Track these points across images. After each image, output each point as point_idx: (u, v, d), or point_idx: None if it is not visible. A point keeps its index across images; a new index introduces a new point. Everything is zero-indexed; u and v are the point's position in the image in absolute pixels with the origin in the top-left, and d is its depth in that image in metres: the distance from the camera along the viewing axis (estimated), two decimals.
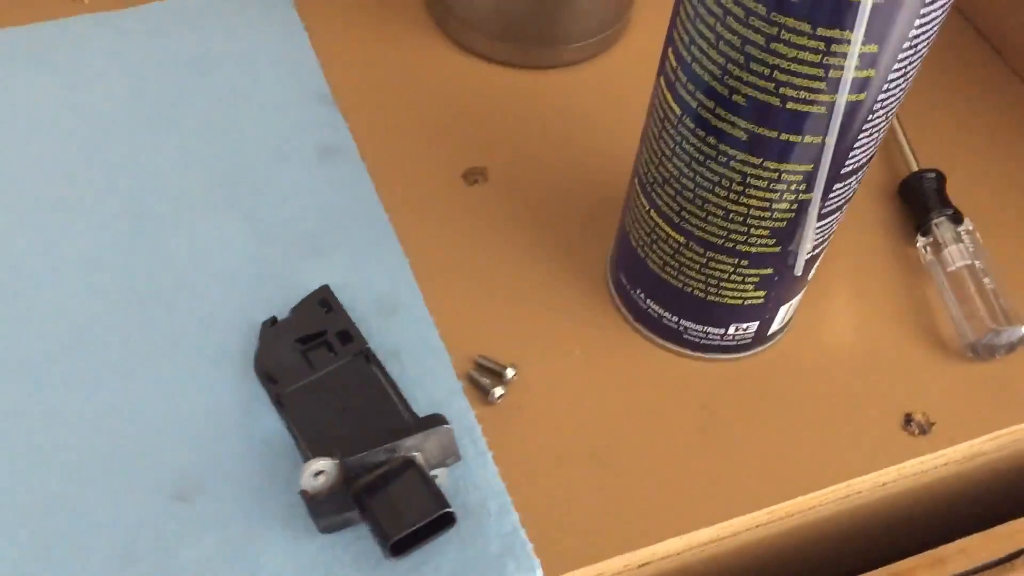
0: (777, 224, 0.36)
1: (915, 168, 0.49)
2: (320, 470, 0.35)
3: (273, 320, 0.42)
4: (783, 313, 0.42)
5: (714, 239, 0.37)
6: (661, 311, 0.42)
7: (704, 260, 0.38)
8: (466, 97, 0.53)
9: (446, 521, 0.35)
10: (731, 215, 0.36)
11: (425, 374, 0.41)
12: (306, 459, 0.38)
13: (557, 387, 0.42)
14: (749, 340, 0.42)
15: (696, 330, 0.42)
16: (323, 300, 0.42)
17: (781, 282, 0.39)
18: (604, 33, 0.54)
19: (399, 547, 0.35)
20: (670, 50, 0.35)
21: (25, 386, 0.39)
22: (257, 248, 0.45)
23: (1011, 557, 0.41)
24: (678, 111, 0.35)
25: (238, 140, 0.49)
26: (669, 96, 0.35)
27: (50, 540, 0.36)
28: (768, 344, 0.44)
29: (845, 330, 0.45)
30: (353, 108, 0.51)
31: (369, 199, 0.47)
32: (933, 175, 0.49)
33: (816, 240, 0.38)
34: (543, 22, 0.52)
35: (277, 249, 0.45)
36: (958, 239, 0.46)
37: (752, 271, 0.38)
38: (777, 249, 0.37)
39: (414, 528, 0.34)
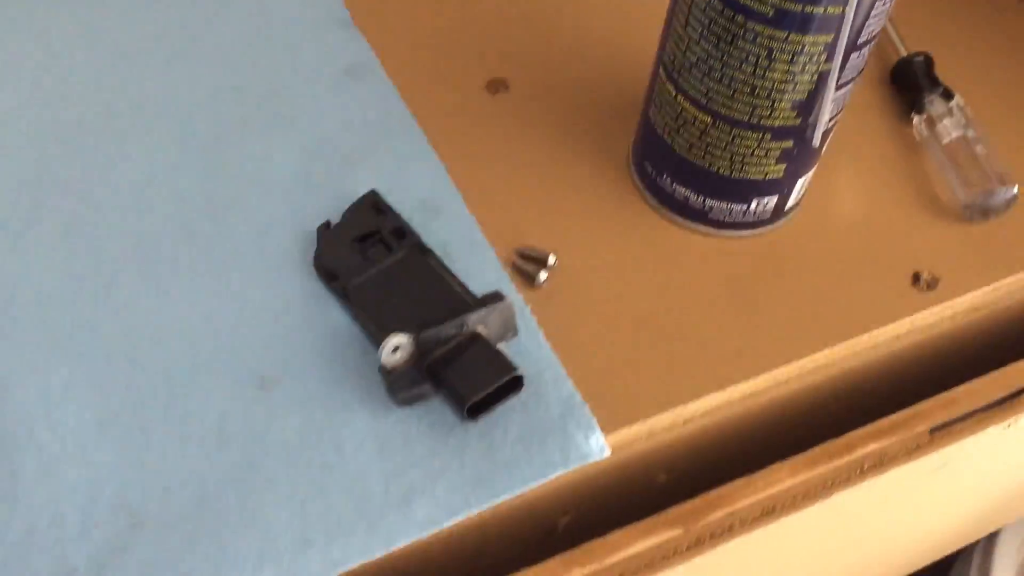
0: (799, 96, 0.39)
1: (904, 53, 0.53)
2: (397, 345, 0.38)
3: (327, 224, 0.45)
4: (799, 187, 0.45)
5: (740, 116, 0.41)
6: (687, 193, 0.45)
7: (730, 138, 0.42)
8: (478, 9, 0.55)
9: (514, 385, 0.39)
10: (757, 91, 0.39)
11: (472, 267, 0.44)
12: (377, 343, 0.41)
13: (594, 270, 0.46)
14: (768, 215, 0.46)
15: (721, 208, 0.45)
16: (373, 203, 0.45)
17: (800, 155, 0.43)
18: None
19: (474, 410, 0.38)
20: None
21: (111, 297, 0.42)
22: (301, 163, 0.47)
23: (1017, 394, 0.45)
24: None
25: (267, 67, 0.51)
26: None
27: (147, 430, 0.39)
28: (785, 218, 0.47)
29: (853, 203, 0.49)
30: (372, 30, 0.54)
31: (400, 113, 0.50)
32: (922, 58, 0.52)
33: (832, 112, 0.41)
34: None
35: (320, 163, 0.48)
36: (950, 113, 0.49)
37: (774, 145, 0.42)
38: (798, 121, 0.41)
39: (488, 391, 0.38)
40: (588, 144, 0.50)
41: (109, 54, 0.51)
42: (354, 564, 0.37)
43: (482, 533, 0.42)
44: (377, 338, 0.40)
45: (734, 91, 0.40)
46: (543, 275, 0.44)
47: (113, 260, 0.43)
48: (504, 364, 0.38)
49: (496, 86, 0.52)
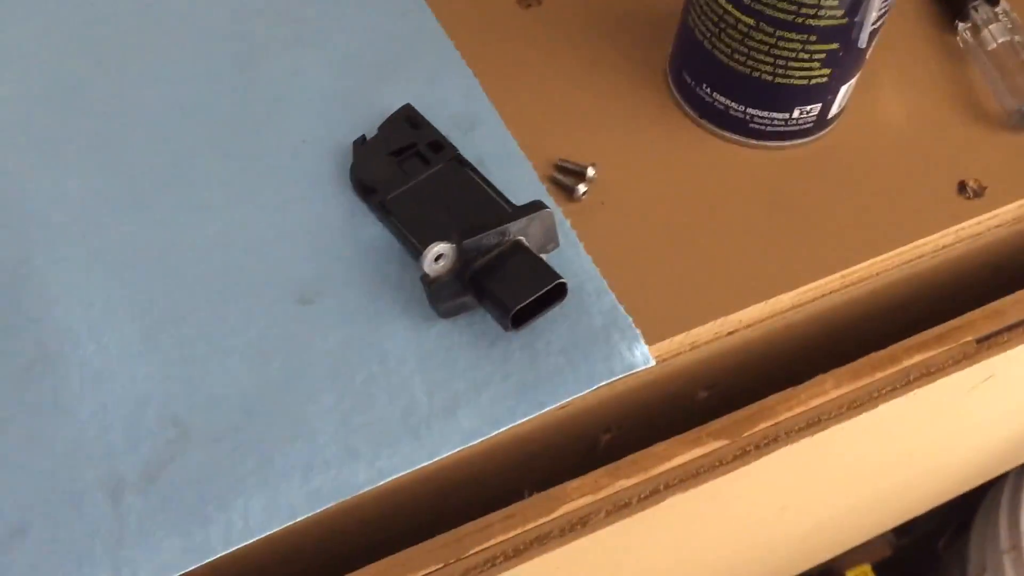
0: None
1: None
2: (440, 253, 0.37)
3: (363, 139, 0.44)
4: (843, 94, 0.44)
5: (785, 16, 0.39)
6: (728, 102, 0.44)
7: (774, 40, 0.41)
8: None
9: (558, 294, 0.38)
10: None
11: (510, 180, 0.44)
12: (417, 256, 0.40)
13: (633, 183, 0.45)
14: (811, 124, 0.45)
15: (762, 117, 0.44)
16: (408, 117, 0.44)
17: (845, 58, 0.41)
18: None
19: (517, 319, 0.38)
20: None
21: (148, 215, 0.42)
22: (333, 78, 0.47)
23: None
24: None
25: None
26: None
27: (190, 344, 0.39)
28: (827, 129, 0.46)
29: (896, 112, 0.48)
30: None
31: (431, 27, 0.49)
32: None
33: (879, 11, 0.40)
34: None
35: (352, 78, 0.47)
36: (996, 18, 0.48)
37: (819, 47, 0.41)
38: (844, 21, 0.39)
39: (532, 299, 0.37)
40: (623, 56, 0.49)
41: None
42: (400, 474, 0.37)
43: (525, 448, 0.42)
44: (418, 250, 0.40)
45: None
46: (582, 188, 0.44)
47: (149, 178, 0.43)
48: (547, 271, 0.38)
49: None
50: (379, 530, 0.40)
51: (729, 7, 0.41)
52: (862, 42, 0.41)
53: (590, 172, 0.44)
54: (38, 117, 0.44)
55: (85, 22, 0.47)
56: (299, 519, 0.35)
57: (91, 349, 0.38)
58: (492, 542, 0.38)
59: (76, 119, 0.44)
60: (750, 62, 0.42)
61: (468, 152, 0.44)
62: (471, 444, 0.38)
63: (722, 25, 0.42)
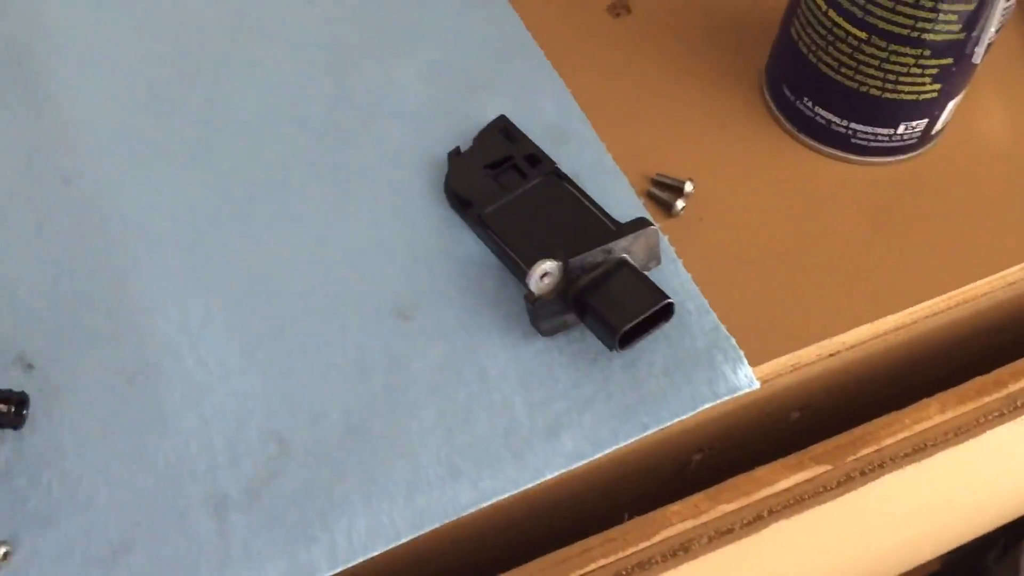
0: (966, 7, 0.37)
1: None
2: (546, 271, 0.37)
3: (457, 150, 0.43)
4: (949, 110, 0.43)
5: (899, 30, 0.38)
6: (830, 116, 0.43)
7: (885, 54, 0.39)
8: None
9: (664, 314, 0.38)
10: (920, 0, 0.37)
11: (606, 194, 0.43)
12: (518, 273, 0.40)
13: (730, 198, 0.44)
14: (915, 140, 0.44)
15: (865, 133, 0.43)
16: (503, 128, 0.43)
17: (957, 72, 0.40)
18: None
19: (624, 338, 0.37)
20: None
21: (242, 226, 0.41)
22: (425, 88, 0.46)
23: None
24: None
25: None
26: None
27: (289, 359, 0.38)
28: (930, 144, 0.45)
29: (1000, 126, 0.47)
30: None
31: (521, 36, 0.48)
32: None
33: (997, 24, 0.39)
34: None
35: (443, 88, 0.46)
36: None
37: (932, 62, 0.39)
38: (961, 35, 0.38)
39: (640, 319, 0.37)
40: (715, 66, 0.48)
41: None
42: (504, 495, 0.36)
43: (617, 467, 0.41)
44: (518, 266, 0.39)
45: (896, 2, 0.37)
46: (680, 203, 0.43)
47: (244, 188, 0.42)
48: (655, 291, 0.37)
49: (618, 8, 0.50)
50: (472, 551, 0.39)
51: (839, 20, 0.40)
52: (977, 57, 0.40)
53: (688, 187, 0.43)
54: (136, 127, 0.44)
55: (181, 33, 0.47)
56: (403, 541, 0.35)
57: (191, 362, 0.38)
58: (593, 566, 0.37)
59: (173, 129, 0.44)
60: (858, 76, 0.41)
61: (562, 165, 0.44)
62: (574, 467, 0.37)
63: (830, 38, 0.41)
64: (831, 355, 0.42)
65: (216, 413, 0.37)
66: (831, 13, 0.40)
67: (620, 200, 0.43)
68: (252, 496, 0.35)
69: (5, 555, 0.33)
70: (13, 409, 0.35)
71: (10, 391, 0.35)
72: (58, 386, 0.37)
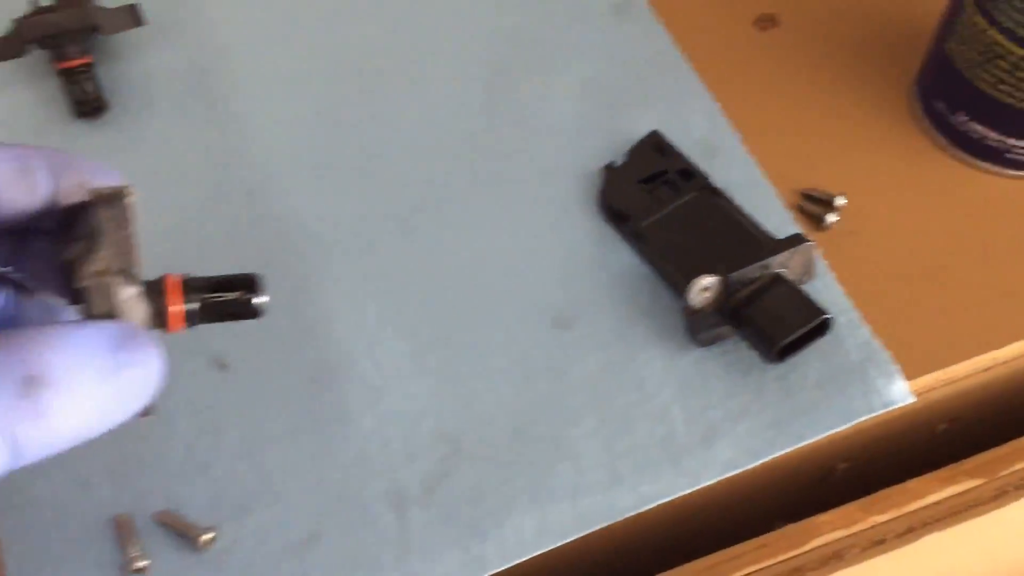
0: None
1: None
2: (706, 286, 0.38)
3: (611, 165, 0.45)
4: None
5: None
6: (985, 131, 0.43)
7: None
8: None
9: (820, 328, 0.39)
10: None
11: (755, 208, 0.44)
12: (672, 284, 0.41)
13: (882, 212, 0.45)
14: None
15: (1021, 147, 0.43)
16: (655, 143, 0.45)
17: None
18: None
19: (781, 352, 0.38)
20: None
21: (408, 236, 0.44)
22: (577, 104, 0.48)
23: None
24: None
25: (536, 7, 0.51)
26: None
27: (457, 363, 0.40)
28: None
29: None
30: None
31: (669, 51, 0.50)
32: None
33: None
34: None
35: (595, 104, 0.48)
36: None
37: None
38: None
39: (799, 333, 0.38)
40: (865, 80, 0.49)
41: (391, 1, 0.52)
42: (661, 500, 0.38)
43: (764, 474, 0.42)
44: (675, 279, 0.41)
45: None
46: (831, 217, 0.44)
47: (409, 201, 0.45)
48: (812, 307, 0.38)
49: (765, 21, 0.51)
50: (627, 552, 0.41)
51: (1000, 38, 0.40)
52: None
53: (839, 201, 0.44)
54: (311, 142, 0.47)
55: (350, 53, 0.50)
56: (568, 540, 0.37)
57: (367, 365, 0.40)
58: (744, 572, 0.38)
59: (344, 144, 0.47)
60: (1017, 93, 0.41)
61: (713, 178, 0.45)
62: (729, 475, 0.38)
63: (989, 55, 0.41)
64: (984, 370, 0.42)
65: (392, 414, 0.39)
66: (992, 31, 0.40)
67: (770, 213, 0.44)
68: (428, 492, 0.38)
69: (212, 539, 0.36)
70: (243, 295, 0.28)
71: (234, 276, 0.28)
72: (249, 385, 0.40)
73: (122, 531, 0.36)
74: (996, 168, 0.45)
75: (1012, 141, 0.43)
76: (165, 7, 0.50)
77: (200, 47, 0.50)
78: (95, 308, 0.25)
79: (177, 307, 0.26)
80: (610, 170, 0.45)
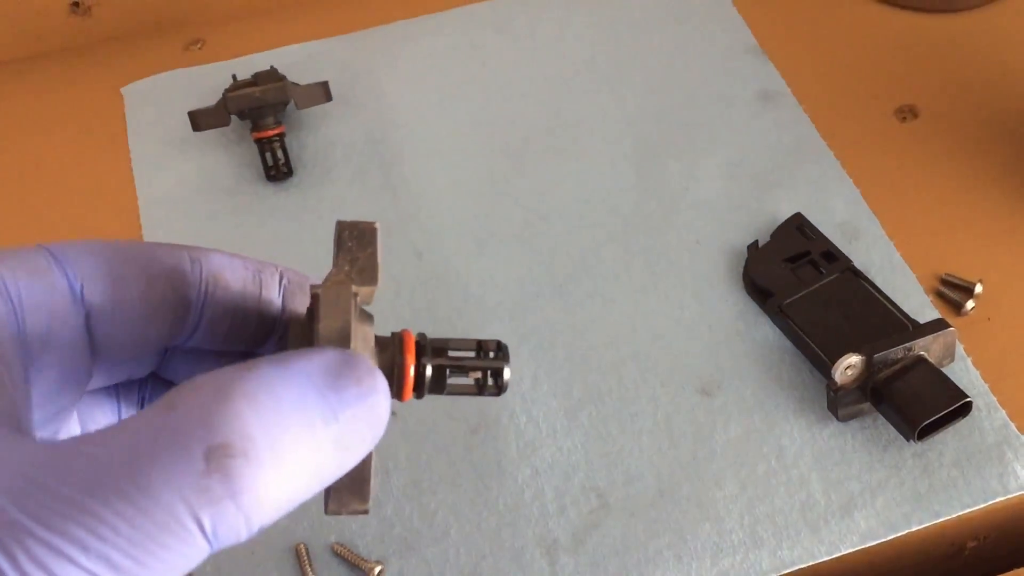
0: None
1: None
2: (852, 364, 0.40)
3: (756, 243, 0.48)
4: None
5: None
6: None
7: None
8: (881, 41, 0.57)
9: (961, 411, 0.40)
10: None
11: (895, 290, 0.46)
12: (815, 361, 0.43)
13: (1019, 300, 0.46)
14: None
15: None
16: (799, 225, 0.48)
17: None
18: None
19: (922, 431, 0.40)
20: None
21: (562, 301, 0.47)
22: (723, 183, 0.51)
23: None
24: None
25: (685, 91, 0.55)
26: None
27: (606, 422, 0.43)
28: None
29: None
30: (780, 57, 0.56)
31: (812, 137, 0.52)
32: None
33: None
34: None
35: (740, 184, 0.51)
36: None
37: None
38: None
39: (941, 414, 0.39)
40: (1005, 172, 0.50)
41: (547, 79, 0.56)
42: (800, 566, 0.40)
43: (897, 547, 0.43)
44: (817, 355, 0.43)
45: None
46: (970, 303, 0.45)
47: (564, 269, 0.48)
48: (954, 389, 0.40)
49: (905, 112, 0.53)
50: None
51: None
52: None
53: (978, 288, 0.46)
54: (474, 209, 0.51)
55: (512, 127, 0.54)
56: None
57: (524, 420, 0.44)
58: None
59: (505, 212, 0.50)
60: None
61: (853, 261, 0.47)
62: (867, 545, 0.40)
63: None
64: None
65: (546, 466, 0.42)
66: None
67: (909, 296, 0.46)
68: (578, 542, 0.40)
69: (381, 572, 0.39)
70: (491, 379, 0.25)
71: (484, 342, 0.25)
72: (416, 432, 0.43)
73: (301, 559, 0.40)
74: None
75: None
76: (346, 84, 0.56)
77: (376, 120, 0.54)
78: (325, 320, 0.20)
79: (416, 365, 0.22)
80: (755, 248, 0.47)
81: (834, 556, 0.40)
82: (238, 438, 0.18)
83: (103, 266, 0.23)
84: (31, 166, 0.55)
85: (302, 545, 0.40)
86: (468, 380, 0.24)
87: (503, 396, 0.45)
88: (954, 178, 0.51)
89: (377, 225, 0.24)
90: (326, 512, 0.22)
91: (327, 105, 0.53)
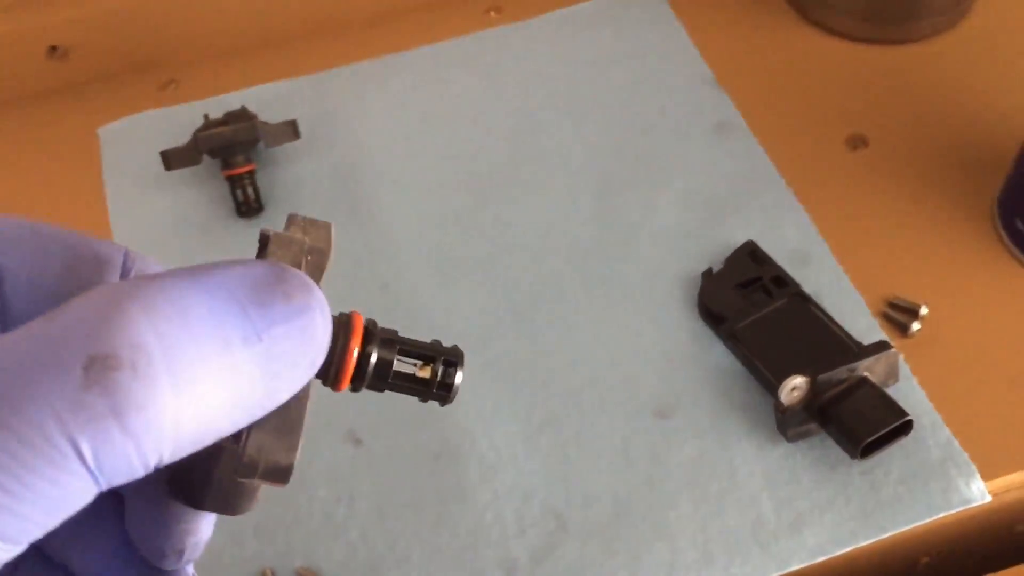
0: None
1: None
2: (796, 386, 0.42)
3: (710, 270, 0.49)
4: None
5: None
6: None
7: None
8: (834, 73, 0.59)
9: (903, 429, 0.42)
10: None
11: (843, 313, 0.48)
12: (765, 383, 0.45)
13: (964, 321, 0.48)
14: None
15: None
16: (751, 252, 0.49)
17: None
18: (956, 8, 0.59)
19: (866, 449, 0.41)
20: None
21: (524, 329, 0.49)
22: (680, 213, 0.53)
23: None
24: None
25: (644, 124, 0.57)
26: None
27: (565, 446, 0.45)
28: None
29: None
30: (735, 89, 0.58)
31: (765, 167, 0.54)
32: None
33: None
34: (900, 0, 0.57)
35: (696, 213, 0.53)
36: None
37: None
38: None
39: (882, 432, 0.41)
40: (948, 198, 0.52)
41: (510, 114, 0.58)
42: None
43: (851, 564, 0.45)
44: (766, 377, 0.45)
45: None
46: (915, 325, 0.47)
47: (525, 298, 0.50)
48: (896, 409, 0.41)
49: (855, 142, 0.55)
50: None
51: None
52: None
53: (923, 310, 0.47)
54: (439, 242, 0.52)
55: (475, 162, 0.56)
56: None
57: (485, 445, 0.45)
58: None
59: (468, 244, 0.52)
60: None
61: (803, 286, 0.49)
62: (815, 561, 0.41)
63: None
64: None
65: (506, 490, 0.44)
66: None
67: (856, 319, 0.48)
68: (536, 563, 0.42)
69: None
70: (441, 380, 0.23)
71: (438, 344, 0.23)
72: (380, 459, 0.45)
73: None
74: None
75: None
76: (315, 121, 0.57)
77: (344, 156, 0.56)
78: (274, 255, 0.19)
79: (361, 352, 0.20)
80: (709, 275, 0.49)
81: (784, 572, 0.41)
82: (126, 349, 0.15)
83: (27, 236, 0.21)
84: (6, 206, 0.56)
85: (268, 570, 0.42)
86: (414, 375, 0.22)
87: (464, 422, 0.46)
88: (902, 205, 0.53)
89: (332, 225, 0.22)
90: (239, 469, 0.19)
91: (297, 142, 0.55)
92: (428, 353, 0.22)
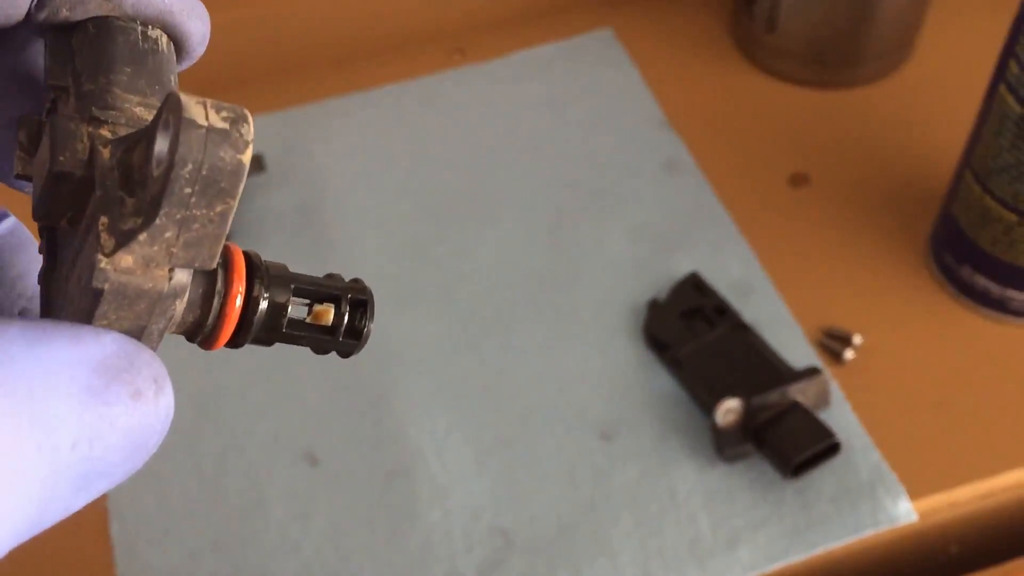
0: None
1: None
2: (730, 408, 0.44)
3: (655, 300, 0.52)
4: None
5: None
6: (987, 283, 0.49)
7: None
8: (779, 114, 0.62)
9: (832, 450, 0.44)
10: None
11: (782, 343, 0.50)
12: (704, 406, 0.47)
13: (895, 351, 0.50)
14: None
15: (1020, 299, 0.49)
16: (695, 283, 0.52)
17: None
18: (896, 54, 0.62)
19: (796, 469, 0.44)
20: (1012, 61, 0.42)
21: (477, 355, 0.51)
22: (628, 246, 0.55)
23: None
24: (1019, 111, 0.42)
25: (597, 161, 0.59)
26: (1011, 99, 0.43)
27: (513, 467, 0.47)
28: None
29: None
30: (685, 129, 0.61)
31: (711, 203, 0.57)
32: None
33: None
34: (844, 46, 0.61)
35: (643, 246, 0.55)
36: None
37: None
38: None
39: (811, 452, 0.43)
40: (886, 235, 0.55)
41: (469, 150, 0.60)
42: None
43: None
44: (706, 401, 0.47)
45: None
46: (849, 353, 0.49)
47: (479, 326, 0.52)
48: (824, 430, 0.44)
49: (798, 180, 0.58)
50: None
51: (994, 205, 0.46)
52: None
53: (857, 339, 0.50)
54: (397, 272, 0.55)
55: (433, 195, 0.58)
56: None
57: (436, 466, 0.47)
58: None
59: (425, 274, 0.54)
60: (1012, 251, 0.47)
61: (745, 316, 0.51)
62: None
63: (986, 219, 0.47)
64: (985, 496, 0.46)
65: (456, 508, 0.45)
66: (987, 199, 0.46)
67: (795, 348, 0.50)
68: None
69: None
70: (346, 321, 0.18)
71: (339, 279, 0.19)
72: (335, 479, 0.47)
73: None
74: (997, 315, 0.50)
75: (1011, 292, 0.49)
76: (281, 156, 0.60)
77: (308, 190, 0.58)
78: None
79: (247, 296, 0.15)
80: (654, 304, 0.51)
81: None
82: None
83: None
84: None
85: None
86: (314, 322, 0.17)
87: (417, 443, 0.48)
88: (840, 239, 0.55)
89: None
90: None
91: (262, 176, 0.57)
92: (331, 291, 0.18)
